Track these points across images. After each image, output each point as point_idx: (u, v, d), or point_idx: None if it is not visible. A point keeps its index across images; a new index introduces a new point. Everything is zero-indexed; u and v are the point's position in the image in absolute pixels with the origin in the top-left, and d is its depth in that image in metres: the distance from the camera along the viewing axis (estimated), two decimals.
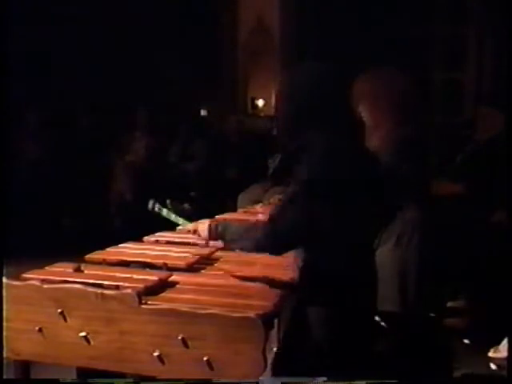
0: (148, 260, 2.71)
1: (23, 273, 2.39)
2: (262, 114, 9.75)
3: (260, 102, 10.07)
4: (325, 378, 2.05)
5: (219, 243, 2.55)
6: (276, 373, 2.18)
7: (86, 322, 2.14)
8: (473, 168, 4.41)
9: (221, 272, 2.60)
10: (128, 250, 2.90)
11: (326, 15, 8.92)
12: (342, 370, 2.09)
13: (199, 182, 7.03)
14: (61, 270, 2.49)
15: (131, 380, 2.14)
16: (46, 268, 2.52)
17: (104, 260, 2.70)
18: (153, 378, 2.11)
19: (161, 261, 2.67)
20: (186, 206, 6.73)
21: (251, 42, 9.93)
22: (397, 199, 2.74)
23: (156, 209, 2.80)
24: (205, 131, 7.67)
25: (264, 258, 2.77)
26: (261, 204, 4.21)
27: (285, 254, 2.49)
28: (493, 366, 3.85)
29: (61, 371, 2.30)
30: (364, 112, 2.87)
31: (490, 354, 3.97)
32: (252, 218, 3.47)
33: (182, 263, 2.64)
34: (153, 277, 2.40)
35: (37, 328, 2.18)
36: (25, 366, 2.29)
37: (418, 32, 8.75)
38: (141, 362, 2.09)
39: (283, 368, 2.19)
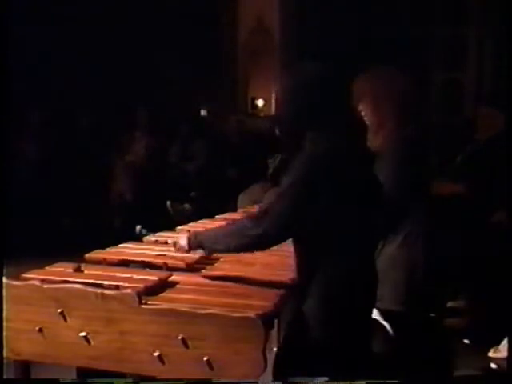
0: (148, 260, 2.71)
1: (23, 273, 2.39)
2: (261, 114, 9.75)
3: (260, 102, 10.07)
4: (326, 378, 2.05)
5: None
6: (277, 373, 2.18)
7: (86, 321, 2.14)
8: (473, 168, 4.40)
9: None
10: (128, 249, 2.90)
11: (326, 15, 8.92)
12: (343, 370, 2.09)
13: (199, 182, 7.02)
14: (61, 270, 2.49)
15: (131, 380, 2.14)
16: (46, 268, 2.52)
17: (104, 260, 2.70)
18: (153, 378, 2.11)
19: (161, 261, 2.67)
20: (187, 206, 6.73)
21: (251, 42, 9.93)
22: (400, 200, 2.75)
23: (143, 232, 2.82)
24: (205, 131, 7.67)
25: (264, 258, 2.77)
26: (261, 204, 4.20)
27: (285, 254, 2.50)
28: (493, 366, 3.85)
29: (61, 371, 2.30)
30: (364, 111, 2.88)
31: (490, 354, 3.97)
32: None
33: (181, 263, 2.64)
34: (153, 277, 2.40)
35: (37, 328, 2.18)
36: (25, 366, 2.29)
37: (418, 32, 8.75)
38: (141, 362, 2.09)
39: (284, 368, 2.20)
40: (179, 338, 2.03)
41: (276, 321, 2.47)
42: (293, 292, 2.29)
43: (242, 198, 5.25)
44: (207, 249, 2.39)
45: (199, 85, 8.99)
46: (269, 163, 6.62)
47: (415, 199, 2.82)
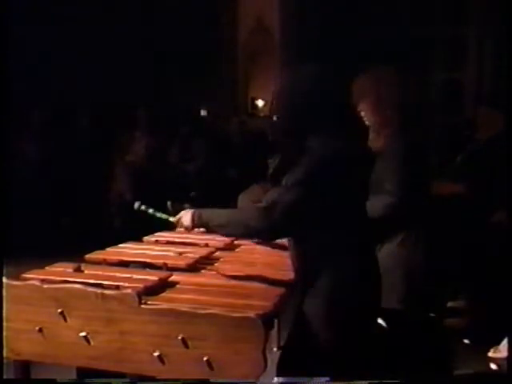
0: (148, 260, 2.71)
1: (23, 273, 2.39)
2: (261, 114, 9.75)
3: (260, 102, 10.07)
4: (327, 378, 2.05)
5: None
6: (279, 373, 2.18)
7: (86, 322, 2.14)
8: (473, 168, 4.40)
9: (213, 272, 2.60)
10: (128, 250, 2.90)
11: (326, 15, 8.92)
12: (344, 371, 2.09)
13: (199, 182, 7.02)
14: (61, 270, 2.49)
15: (128, 380, 2.14)
16: (46, 268, 2.52)
17: (104, 260, 2.70)
18: (152, 378, 2.11)
19: (161, 261, 2.67)
20: (187, 206, 6.72)
21: (251, 42, 9.93)
22: (401, 200, 2.75)
23: (142, 207, 2.80)
24: (205, 131, 7.66)
25: (264, 258, 2.78)
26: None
27: (285, 255, 2.49)
28: (493, 366, 3.84)
29: (61, 371, 2.30)
30: (365, 112, 2.88)
31: (490, 354, 3.97)
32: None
33: (181, 263, 2.64)
34: (153, 277, 2.40)
35: (37, 328, 2.18)
36: (25, 366, 2.29)
37: (418, 32, 8.75)
38: (141, 362, 2.09)
39: (286, 368, 2.20)
40: (179, 338, 2.03)
41: (276, 321, 2.47)
42: (293, 292, 2.29)
43: (241, 197, 5.26)
44: (210, 229, 2.38)
45: (199, 85, 8.99)
46: (269, 163, 6.62)
47: (416, 199, 2.82)
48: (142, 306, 2.11)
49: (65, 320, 2.16)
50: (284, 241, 2.42)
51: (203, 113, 9.16)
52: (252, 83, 10.20)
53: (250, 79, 10.21)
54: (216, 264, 2.70)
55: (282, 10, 9.51)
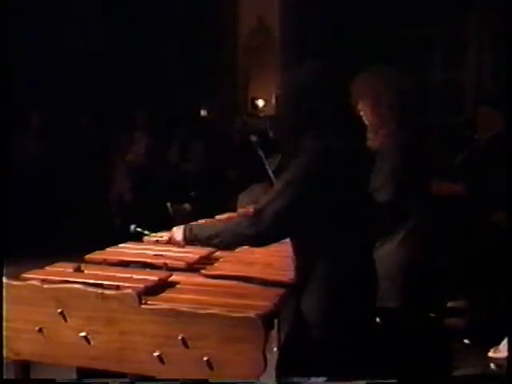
0: (148, 260, 2.71)
1: (23, 273, 2.39)
2: (261, 114, 9.75)
3: (260, 102, 10.07)
4: (325, 378, 2.05)
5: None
6: (278, 373, 2.18)
7: (86, 322, 2.14)
8: (473, 168, 4.40)
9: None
10: (128, 250, 2.91)
11: (326, 15, 8.92)
12: (342, 370, 2.09)
13: (199, 182, 7.02)
14: (61, 270, 2.49)
15: (128, 380, 2.14)
16: (46, 268, 2.52)
17: (104, 260, 2.70)
18: (152, 378, 2.11)
19: (161, 261, 2.67)
20: (187, 206, 6.72)
21: (251, 42, 9.93)
22: (400, 200, 2.75)
23: (138, 229, 2.82)
24: (205, 131, 7.66)
25: (264, 258, 2.78)
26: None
27: (285, 255, 2.50)
28: (493, 366, 3.84)
29: (61, 371, 2.30)
30: (364, 111, 2.87)
31: (490, 354, 3.97)
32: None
33: (182, 263, 2.64)
34: (153, 277, 2.40)
35: (37, 328, 2.18)
36: (25, 365, 2.29)
37: (418, 32, 8.74)
38: (141, 362, 2.09)
39: (285, 368, 2.20)
40: (179, 337, 2.04)
41: (276, 321, 2.47)
42: (292, 292, 2.29)
43: (241, 197, 5.25)
44: (202, 243, 2.38)
45: (199, 85, 8.98)
46: (269, 163, 6.62)
47: (414, 199, 2.82)
48: (142, 306, 2.11)
49: (65, 320, 2.16)
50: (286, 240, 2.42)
51: (203, 113, 9.15)
52: (252, 83, 10.20)
53: (249, 79, 10.20)
54: (216, 264, 2.70)
55: (282, 9, 9.51)
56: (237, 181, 6.64)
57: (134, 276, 2.40)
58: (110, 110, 7.95)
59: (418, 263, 2.84)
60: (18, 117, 6.59)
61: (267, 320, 2.05)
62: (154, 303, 2.14)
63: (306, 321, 2.14)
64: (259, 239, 2.18)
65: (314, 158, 2.12)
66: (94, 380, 2.18)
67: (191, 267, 2.64)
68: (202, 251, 2.87)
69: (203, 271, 2.58)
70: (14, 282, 2.25)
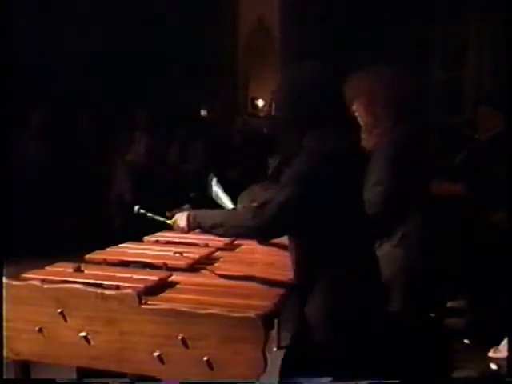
0: (148, 260, 2.71)
1: (23, 273, 2.39)
2: (261, 114, 9.75)
3: (260, 102, 10.07)
4: (330, 378, 2.04)
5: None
6: (283, 373, 2.18)
7: (86, 322, 2.14)
8: (473, 168, 4.40)
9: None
10: (128, 249, 2.91)
11: (326, 15, 8.92)
12: (346, 371, 2.09)
13: (199, 183, 7.02)
14: (61, 270, 2.49)
15: (128, 380, 2.14)
16: (46, 268, 2.52)
17: (104, 260, 2.70)
18: (152, 378, 2.11)
19: (161, 261, 2.67)
20: (186, 206, 6.72)
21: (251, 42, 9.92)
22: (394, 200, 2.74)
23: (141, 211, 2.79)
24: (205, 131, 7.66)
25: (264, 258, 2.78)
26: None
27: (285, 254, 2.49)
28: (493, 366, 3.84)
29: (61, 371, 2.30)
30: (358, 111, 2.85)
31: (490, 354, 3.97)
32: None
33: (182, 263, 2.64)
34: (153, 277, 2.40)
35: (37, 328, 2.18)
36: (25, 365, 2.29)
37: (418, 32, 8.75)
38: (141, 362, 2.09)
39: (289, 368, 2.20)
40: (179, 337, 2.04)
41: (276, 321, 2.47)
42: (293, 292, 2.29)
43: (241, 197, 5.25)
44: (205, 230, 2.38)
45: (199, 85, 8.98)
46: (269, 163, 6.62)
47: (410, 198, 2.80)
48: (142, 306, 2.11)
49: (65, 320, 2.16)
50: (284, 240, 2.42)
51: (203, 113, 9.15)
52: (252, 83, 10.19)
53: (249, 79, 10.20)
54: (216, 264, 2.70)
55: (282, 9, 9.51)
56: (237, 181, 6.63)
57: (134, 276, 2.40)
58: (109, 110, 7.95)
59: (416, 264, 2.84)
60: (18, 117, 6.58)
61: (267, 320, 2.05)
62: (153, 303, 2.14)
63: (309, 322, 2.14)
64: (261, 232, 2.20)
65: (314, 156, 2.12)
66: (94, 380, 2.18)
67: (191, 267, 2.64)
68: (202, 251, 2.87)
69: (216, 271, 2.58)
70: (14, 282, 2.25)
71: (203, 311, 2.04)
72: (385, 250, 2.76)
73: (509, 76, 4.05)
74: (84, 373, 2.27)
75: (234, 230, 2.28)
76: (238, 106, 9.93)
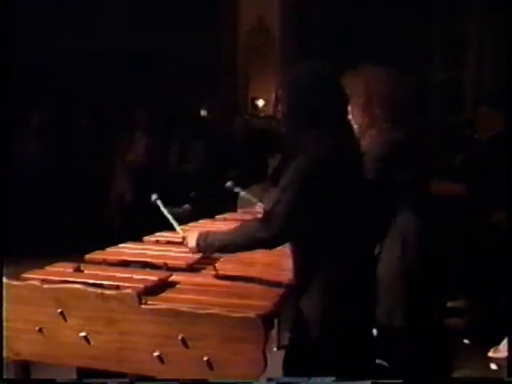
0: (148, 260, 2.71)
1: (23, 273, 2.39)
2: (262, 114, 9.74)
3: (260, 102, 10.06)
4: (333, 378, 2.04)
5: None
6: (285, 373, 2.18)
7: (86, 322, 2.14)
8: (472, 168, 4.40)
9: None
10: (128, 250, 2.90)
11: (326, 15, 8.92)
12: (345, 371, 2.09)
13: (199, 182, 7.02)
14: (61, 270, 2.49)
15: (128, 380, 2.14)
16: (46, 268, 2.52)
17: (104, 260, 2.70)
18: (152, 378, 2.11)
19: (161, 261, 2.67)
20: (187, 206, 6.72)
21: (251, 42, 9.92)
22: (394, 201, 2.73)
23: (158, 202, 2.77)
24: (205, 131, 7.66)
25: (264, 258, 2.78)
26: (260, 204, 4.19)
27: (285, 255, 2.49)
28: (493, 366, 3.85)
29: (61, 371, 2.30)
30: (354, 111, 2.81)
31: (490, 354, 3.97)
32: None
33: (182, 263, 2.64)
34: (153, 277, 2.40)
35: (37, 328, 2.18)
36: (25, 366, 2.29)
37: (418, 32, 8.74)
38: (141, 362, 2.09)
39: (292, 368, 2.20)
40: (179, 337, 2.04)
41: (276, 321, 2.47)
42: (293, 293, 2.29)
43: (241, 197, 5.25)
44: (216, 251, 2.37)
45: (199, 85, 8.98)
46: (269, 163, 6.62)
47: (405, 201, 2.77)
48: (142, 306, 2.11)
49: (65, 320, 2.16)
50: None
51: (203, 113, 9.15)
52: (252, 83, 10.19)
53: (249, 79, 10.19)
54: (216, 264, 2.70)
55: (282, 9, 9.51)
56: (237, 181, 6.63)
57: (134, 276, 2.40)
58: (110, 110, 7.94)
59: (419, 274, 2.80)
60: (18, 117, 6.58)
61: (267, 320, 2.05)
62: (153, 303, 2.14)
63: (307, 321, 2.14)
64: (272, 242, 2.19)
65: (314, 157, 2.12)
66: (94, 380, 2.18)
67: (191, 267, 2.64)
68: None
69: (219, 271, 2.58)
70: (14, 282, 2.25)
71: (203, 311, 2.04)
72: (386, 261, 2.71)
73: (509, 76, 4.05)
74: (84, 373, 2.27)
75: (245, 245, 2.26)
76: (238, 105, 9.93)
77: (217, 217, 3.85)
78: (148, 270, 2.59)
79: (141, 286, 2.25)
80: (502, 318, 3.74)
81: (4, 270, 2.31)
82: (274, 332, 3.41)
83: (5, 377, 2.24)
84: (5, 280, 2.23)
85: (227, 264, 2.70)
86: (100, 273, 2.46)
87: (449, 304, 4.56)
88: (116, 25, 8.70)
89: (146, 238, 3.15)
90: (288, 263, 2.35)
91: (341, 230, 2.13)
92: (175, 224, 2.67)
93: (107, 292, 2.14)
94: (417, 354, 2.78)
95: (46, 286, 2.21)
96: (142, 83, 8.58)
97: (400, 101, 2.87)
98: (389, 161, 2.73)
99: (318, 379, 2.04)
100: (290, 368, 2.22)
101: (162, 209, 2.76)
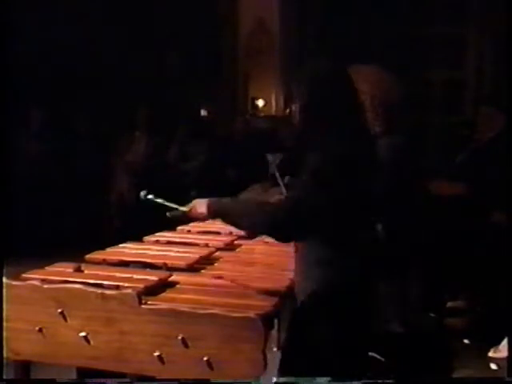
0: (148, 260, 2.71)
1: (23, 273, 2.39)
2: (262, 114, 9.74)
3: (260, 102, 10.06)
4: (329, 378, 2.04)
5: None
6: (281, 373, 2.18)
7: (86, 322, 2.14)
8: (473, 168, 4.40)
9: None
10: (128, 250, 2.90)
11: (327, 15, 8.92)
12: (344, 371, 2.09)
13: (199, 182, 7.02)
14: (61, 270, 2.49)
15: (128, 380, 2.14)
16: (46, 268, 2.52)
17: (104, 260, 2.70)
18: (152, 378, 2.11)
19: (161, 261, 2.67)
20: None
21: (251, 42, 9.92)
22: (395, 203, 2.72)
23: (149, 196, 2.70)
24: (205, 131, 7.66)
25: (264, 258, 2.78)
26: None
27: (285, 255, 2.49)
28: (493, 366, 3.85)
29: (61, 371, 2.30)
30: None
31: (490, 354, 3.97)
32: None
33: (182, 263, 2.64)
34: (153, 277, 2.40)
35: (37, 328, 2.18)
36: (25, 365, 2.29)
37: (419, 32, 8.75)
38: (141, 362, 2.09)
39: (287, 368, 2.19)
40: (179, 338, 2.03)
41: (276, 321, 2.47)
42: (293, 292, 2.29)
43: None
44: (226, 220, 2.24)
45: (199, 85, 8.99)
46: (269, 160, 6.60)
47: (402, 204, 2.76)
48: (142, 306, 2.11)
49: (65, 320, 2.16)
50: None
51: (203, 113, 9.15)
52: (252, 83, 10.19)
53: (249, 79, 10.19)
54: (216, 264, 2.70)
55: (282, 10, 9.51)
56: (237, 181, 6.63)
57: (134, 276, 2.40)
58: (110, 110, 7.94)
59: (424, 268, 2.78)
60: (18, 117, 6.58)
61: (267, 320, 2.05)
62: (153, 303, 2.14)
63: (305, 321, 2.14)
64: (286, 227, 2.07)
65: (332, 155, 2.09)
66: (94, 380, 2.18)
67: (191, 267, 2.64)
68: (202, 251, 2.87)
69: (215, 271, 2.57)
70: (14, 282, 2.25)
71: (203, 311, 2.04)
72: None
73: (509, 76, 4.05)
74: (84, 373, 2.27)
75: (258, 223, 2.13)
76: (238, 105, 9.93)
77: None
78: (148, 269, 2.59)
79: (141, 286, 2.25)
80: (501, 317, 3.74)
81: (4, 270, 2.30)
82: (274, 332, 3.41)
83: (5, 377, 2.24)
84: (5, 280, 2.23)
85: (227, 264, 2.70)
86: (100, 273, 2.46)
87: (449, 304, 4.56)
88: (116, 24, 8.71)
89: (146, 238, 3.15)
90: (288, 263, 2.34)
91: (349, 229, 2.12)
92: (175, 205, 2.47)
93: (107, 292, 2.14)
94: (417, 353, 2.79)
95: (46, 286, 2.21)
96: (142, 83, 8.58)
97: (394, 103, 2.83)
98: (392, 163, 2.71)
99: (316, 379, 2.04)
100: (286, 368, 2.21)
101: (157, 200, 2.66)
